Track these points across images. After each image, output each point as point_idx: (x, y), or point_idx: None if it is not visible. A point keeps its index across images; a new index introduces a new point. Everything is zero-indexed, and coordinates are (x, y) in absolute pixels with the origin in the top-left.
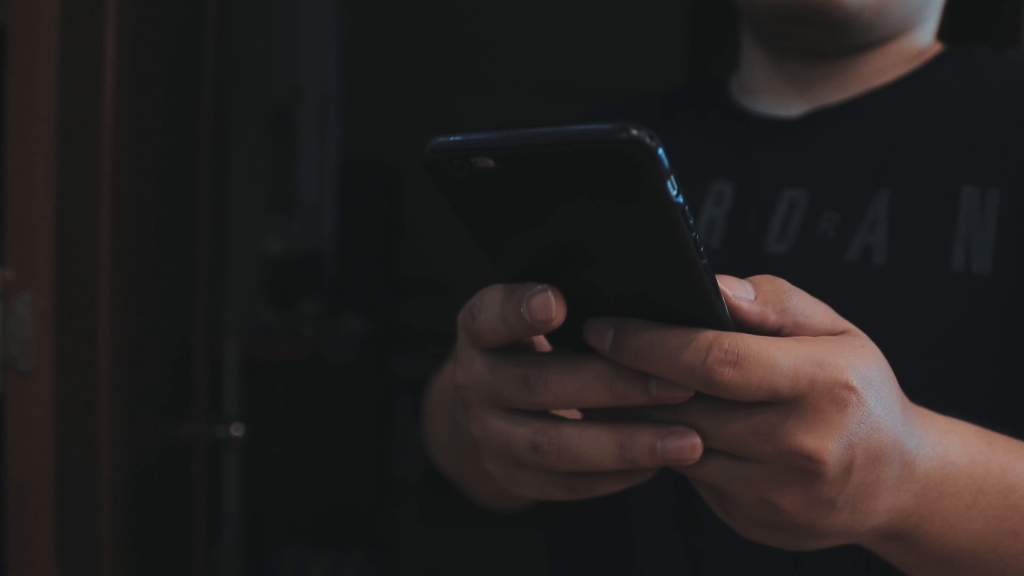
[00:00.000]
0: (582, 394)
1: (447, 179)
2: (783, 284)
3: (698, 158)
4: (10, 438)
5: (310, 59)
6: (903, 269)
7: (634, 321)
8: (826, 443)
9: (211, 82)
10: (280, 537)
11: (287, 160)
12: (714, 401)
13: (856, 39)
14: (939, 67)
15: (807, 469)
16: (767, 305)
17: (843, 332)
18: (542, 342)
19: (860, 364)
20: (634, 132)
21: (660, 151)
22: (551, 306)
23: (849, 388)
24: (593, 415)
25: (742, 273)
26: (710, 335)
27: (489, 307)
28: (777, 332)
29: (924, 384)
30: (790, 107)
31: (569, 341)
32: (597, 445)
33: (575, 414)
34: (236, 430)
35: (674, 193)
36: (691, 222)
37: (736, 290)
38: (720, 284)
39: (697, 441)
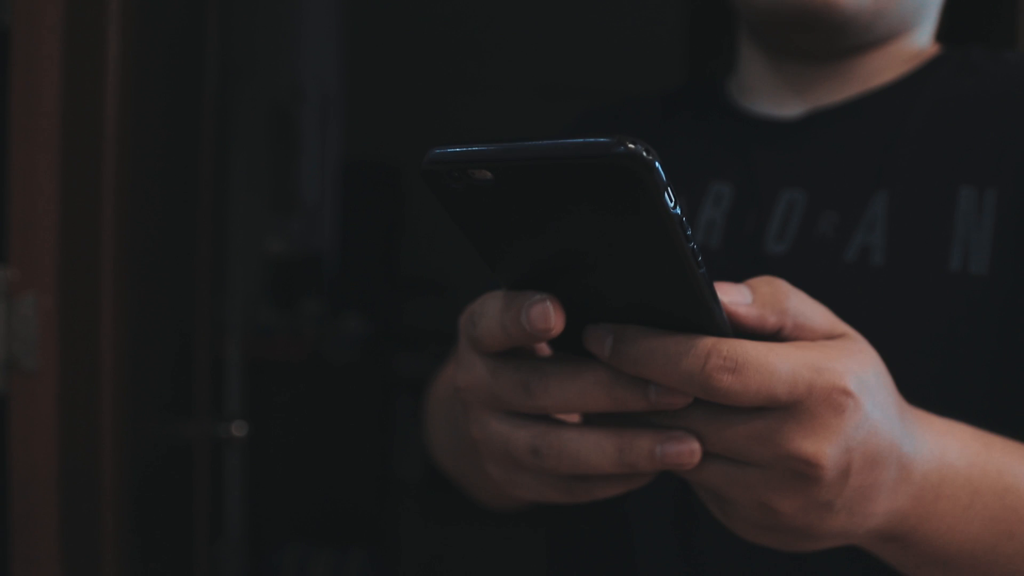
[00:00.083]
0: (582, 399)
1: (445, 189)
2: (782, 285)
3: (697, 159)
4: (14, 437)
5: (311, 60)
6: (901, 269)
7: (633, 328)
8: (824, 447)
9: (213, 83)
10: (281, 535)
11: (288, 160)
12: (713, 406)
13: (854, 41)
14: (937, 68)
15: (805, 473)
16: (765, 307)
17: (841, 335)
18: (543, 346)
19: (857, 369)
20: (631, 146)
21: (657, 164)
22: (549, 316)
23: (846, 393)
24: (593, 419)
25: (741, 273)
26: (709, 342)
27: (489, 314)
28: (777, 333)
29: (922, 384)
30: (788, 108)
31: (569, 346)
32: (597, 449)
33: (574, 417)
34: (238, 429)
35: (671, 205)
36: (689, 232)
37: (733, 296)
38: (717, 291)
39: (696, 446)
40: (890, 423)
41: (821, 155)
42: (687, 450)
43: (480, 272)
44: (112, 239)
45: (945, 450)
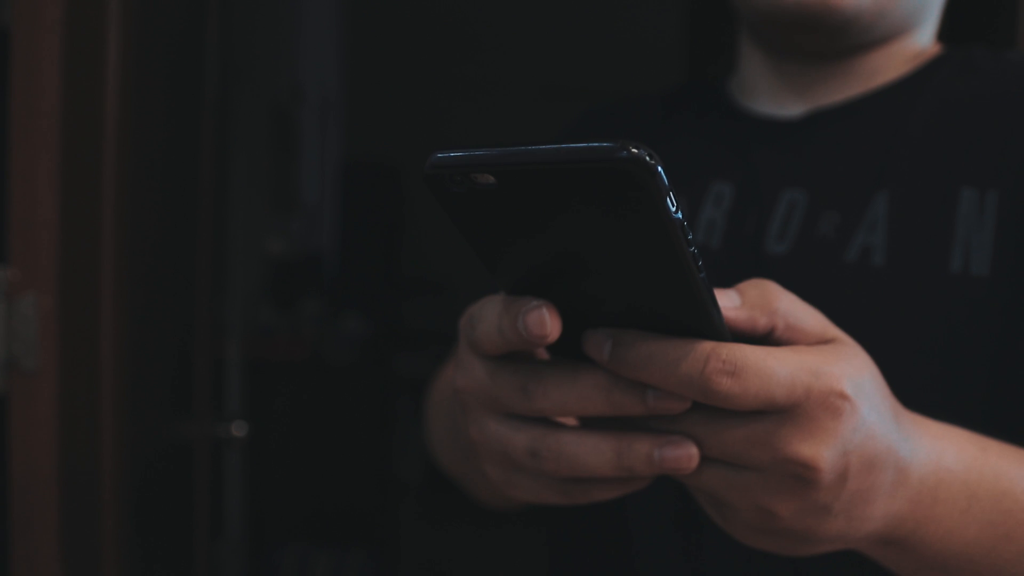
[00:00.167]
0: (580, 403)
1: (447, 194)
2: (771, 286)
3: (698, 158)
4: (14, 437)
5: (312, 61)
6: (902, 270)
7: (632, 332)
8: (821, 451)
9: (213, 84)
10: (281, 535)
11: (288, 161)
12: (711, 410)
13: (855, 41)
14: (938, 68)
15: (803, 476)
16: (755, 309)
17: (833, 339)
18: (543, 350)
19: (853, 373)
20: (634, 150)
21: (660, 169)
22: (545, 323)
23: (843, 397)
24: (591, 422)
25: (741, 273)
26: (708, 346)
27: (487, 319)
28: (769, 334)
29: (922, 385)
30: (789, 108)
31: (568, 351)
32: (595, 453)
33: (573, 420)
34: (238, 429)
35: (673, 209)
36: (689, 237)
37: (721, 301)
38: None
39: (694, 451)
40: (886, 427)
41: (822, 155)
42: (685, 455)
43: (480, 273)
44: (112, 239)
45: (942, 454)
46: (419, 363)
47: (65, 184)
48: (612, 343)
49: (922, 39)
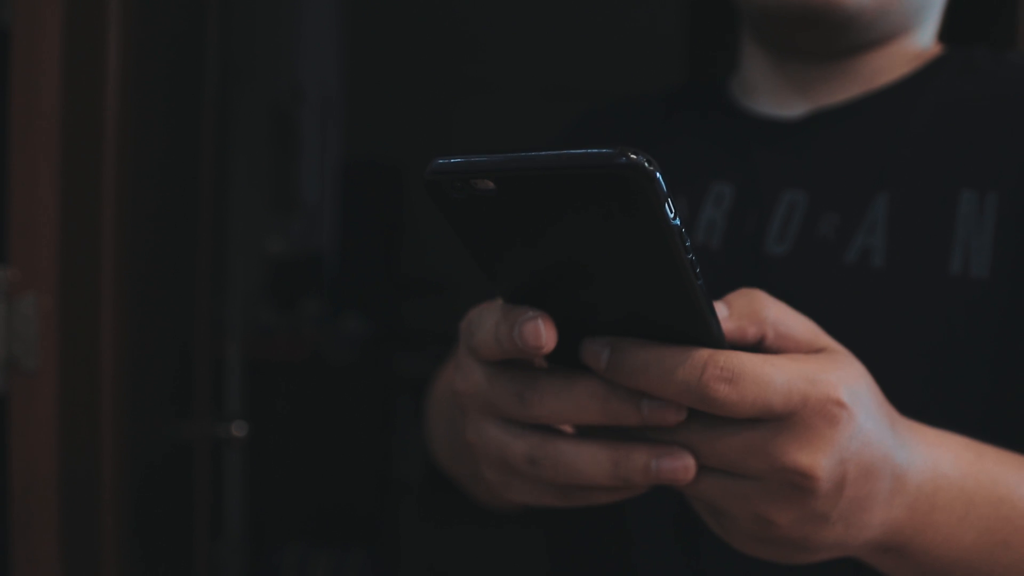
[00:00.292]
0: (576, 412)
1: (447, 199)
2: (759, 295)
3: (699, 158)
4: (14, 437)
5: (312, 61)
6: (901, 272)
7: (630, 340)
8: (818, 459)
9: (213, 84)
10: (281, 536)
11: (288, 161)
12: (708, 419)
13: (856, 39)
14: (939, 69)
15: (800, 485)
16: (743, 319)
17: (824, 347)
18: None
19: (850, 381)
20: (632, 156)
21: (659, 175)
22: (541, 334)
23: (840, 404)
24: (590, 429)
25: (741, 274)
26: (705, 353)
27: (485, 327)
28: (760, 343)
29: (920, 386)
30: (791, 108)
31: (566, 360)
32: (592, 462)
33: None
34: (238, 429)
35: (671, 215)
36: (688, 244)
37: None
38: None
39: (690, 462)
40: (883, 434)
41: (823, 156)
42: (682, 466)
43: (481, 275)
44: (112, 239)
45: (939, 461)
46: (419, 363)
47: (65, 184)
48: (610, 350)
49: (923, 39)
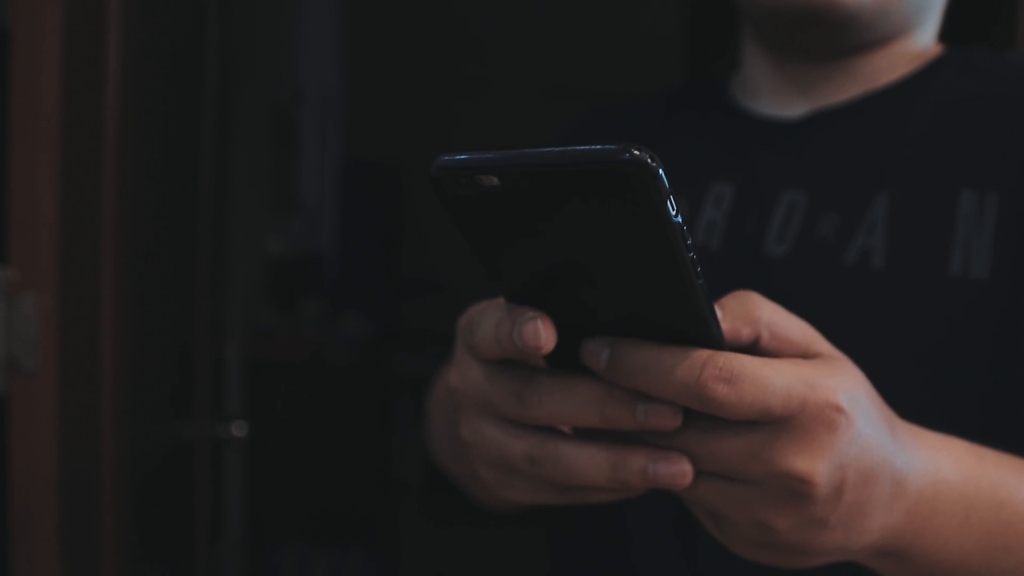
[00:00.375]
0: (574, 414)
1: (451, 196)
2: (752, 297)
3: (699, 158)
4: (14, 437)
5: (312, 61)
6: (901, 272)
7: (630, 340)
8: (817, 464)
9: (213, 84)
10: (281, 536)
11: (289, 161)
12: (707, 423)
13: (856, 39)
14: (940, 69)
15: (799, 490)
16: (736, 320)
17: (819, 352)
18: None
19: (849, 386)
20: (636, 152)
21: (661, 172)
22: (540, 335)
23: (839, 409)
24: (591, 430)
25: (741, 274)
26: (704, 353)
27: (485, 326)
28: (756, 344)
29: (920, 387)
30: (791, 108)
31: (566, 361)
32: (591, 464)
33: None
34: (238, 430)
35: (673, 213)
36: (689, 242)
37: None
38: None
39: (688, 467)
40: (882, 439)
41: (823, 156)
42: (679, 471)
43: (482, 273)
44: (112, 239)
45: (939, 465)
46: (419, 363)
47: (65, 184)
48: (610, 351)
49: (923, 39)
